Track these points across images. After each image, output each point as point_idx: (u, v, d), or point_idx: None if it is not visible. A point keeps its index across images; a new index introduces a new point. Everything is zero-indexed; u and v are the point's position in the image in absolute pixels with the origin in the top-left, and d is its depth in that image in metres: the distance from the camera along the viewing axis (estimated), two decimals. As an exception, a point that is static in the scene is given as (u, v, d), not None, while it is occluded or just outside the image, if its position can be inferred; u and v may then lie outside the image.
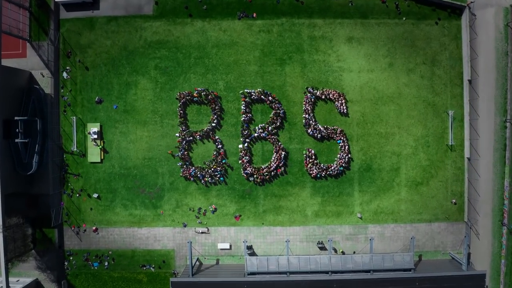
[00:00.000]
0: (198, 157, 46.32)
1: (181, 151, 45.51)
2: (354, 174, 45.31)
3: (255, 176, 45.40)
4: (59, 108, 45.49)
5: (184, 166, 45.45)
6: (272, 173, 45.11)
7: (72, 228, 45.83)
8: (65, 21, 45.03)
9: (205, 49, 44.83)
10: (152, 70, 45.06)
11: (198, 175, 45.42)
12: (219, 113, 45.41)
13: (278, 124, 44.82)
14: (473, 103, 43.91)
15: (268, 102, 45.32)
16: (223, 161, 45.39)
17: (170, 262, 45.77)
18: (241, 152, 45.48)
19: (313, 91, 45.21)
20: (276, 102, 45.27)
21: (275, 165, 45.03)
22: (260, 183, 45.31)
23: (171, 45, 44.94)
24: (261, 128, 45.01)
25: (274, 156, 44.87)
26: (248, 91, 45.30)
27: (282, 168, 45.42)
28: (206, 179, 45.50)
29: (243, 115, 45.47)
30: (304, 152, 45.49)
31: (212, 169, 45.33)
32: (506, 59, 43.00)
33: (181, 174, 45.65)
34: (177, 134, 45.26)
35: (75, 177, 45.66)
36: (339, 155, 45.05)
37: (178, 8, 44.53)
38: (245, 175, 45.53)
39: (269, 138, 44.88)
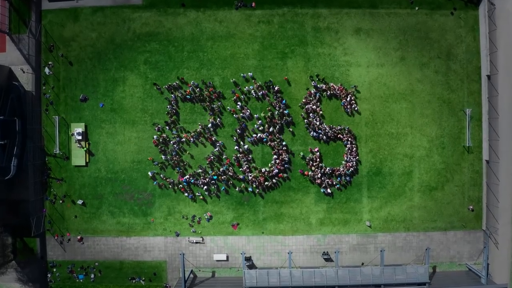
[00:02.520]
0: (191, 162, 43.98)
1: (166, 154, 42.97)
2: (363, 179, 43.30)
3: (253, 183, 42.99)
4: (40, 106, 43.63)
5: (161, 175, 43.28)
6: (274, 179, 43.05)
7: (55, 237, 44.01)
8: (47, 12, 43.13)
9: (199, 41, 42.83)
10: (142, 65, 43.08)
11: (198, 183, 43.20)
12: (216, 111, 43.05)
13: (279, 125, 42.49)
14: (492, 100, 42.06)
15: (267, 99, 42.44)
16: (223, 168, 43.00)
17: (162, 275, 43.76)
18: (237, 155, 43.06)
19: (318, 86, 42.69)
20: (279, 98, 42.44)
21: (276, 169, 42.78)
22: (260, 191, 43.40)
23: (162, 38, 42.90)
24: (259, 128, 42.49)
25: (274, 159, 42.66)
26: (244, 75, 42.64)
27: (285, 175, 43.43)
28: (201, 190, 43.42)
29: (235, 114, 42.99)
30: (308, 155, 42.86)
31: (209, 177, 43.09)
32: (529, 52, 40.98)
33: (155, 183, 43.59)
34: (155, 137, 43.04)
35: (58, 182, 43.83)
36: (346, 158, 42.87)
37: (170, -4, 42.57)
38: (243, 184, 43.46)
39: (270, 140, 42.58)
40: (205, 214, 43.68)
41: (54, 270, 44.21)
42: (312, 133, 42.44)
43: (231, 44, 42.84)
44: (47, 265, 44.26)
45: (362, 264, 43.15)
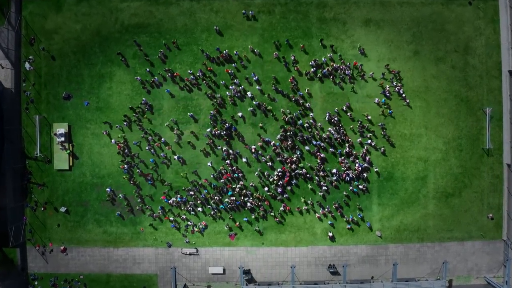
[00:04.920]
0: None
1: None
2: (373, 184, 41.74)
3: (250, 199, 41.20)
4: (20, 105, 42.35)
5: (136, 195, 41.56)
6: (279, 189, 41.25)
7: (37, 248, 42.59)
8: (27, 2, 41.72)
9: (193, 34, 41.34)
10: (130, 59, 41.58)
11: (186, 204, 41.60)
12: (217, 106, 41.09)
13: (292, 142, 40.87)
14: (514, 98, 40.61)
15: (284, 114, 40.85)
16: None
17: (153, 289, 42.04)
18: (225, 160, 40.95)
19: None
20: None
21: (282, 183, 41.29)
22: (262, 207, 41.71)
23: (152, 30, 41.44)
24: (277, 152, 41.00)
25: (279, 171, 41.00)
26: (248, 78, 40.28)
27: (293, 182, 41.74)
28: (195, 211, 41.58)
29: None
30: (315, 165, 41.15)
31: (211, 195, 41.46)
32: (555, 45, 39.93)
33: (138, 207, 41.71)
34: (113, 140, 41.07)
35: (40, 188, 42.29)
36: (355, 163, 41.21)
37: (161, -16, 41.20)
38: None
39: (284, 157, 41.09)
40: (199, 223, 42.00)
41: (36, 283, 42.58)
42: (314, 142, 40.97)
43: (229, 37, 41.25)
44: (28, 277, 42.81)
45: (372, 278, 41.73)
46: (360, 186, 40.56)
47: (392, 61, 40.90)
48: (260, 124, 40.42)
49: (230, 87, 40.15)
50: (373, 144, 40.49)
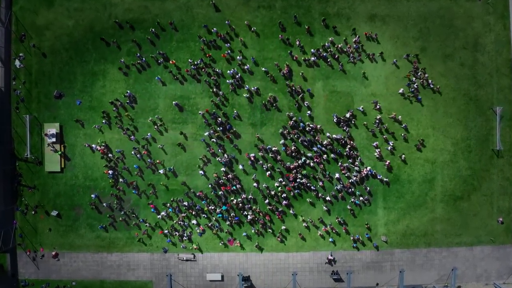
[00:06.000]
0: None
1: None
2: (378, 187, 40.86)
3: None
4: (10, 104, 41.88)
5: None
6: (284, 201, 40.46)
7: (28, 253, 41.97)
8: None
9: (190, 29, 40.50)
10: (124, 56, 40.81)
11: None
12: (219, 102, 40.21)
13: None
14: (526, 97, 40.24)
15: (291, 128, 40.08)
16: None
17: (148, 297, 41.82)
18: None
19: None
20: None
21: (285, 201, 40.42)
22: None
23: (148, 25, 40.59)
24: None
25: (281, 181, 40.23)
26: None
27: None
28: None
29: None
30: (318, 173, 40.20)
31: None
32: None
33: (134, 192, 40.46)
34: (97, 147, 40.46)
35: (30, 190, 41.70)
36: (356, 166, 40.37)
37: (156, -22, 40.66)
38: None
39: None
40: (197, 228, 41.02)
41: (26, 290, 42.10)
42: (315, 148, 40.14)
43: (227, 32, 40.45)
44: (19, 284, 42.17)
45: (377, 284, 41.05)
46: (362, 198, 39.57)
47: (398, 58, 39.78)
48: (257, 135, 39.33)
49: (229, 71, 39.20)
50: (390, 147, 39.52)
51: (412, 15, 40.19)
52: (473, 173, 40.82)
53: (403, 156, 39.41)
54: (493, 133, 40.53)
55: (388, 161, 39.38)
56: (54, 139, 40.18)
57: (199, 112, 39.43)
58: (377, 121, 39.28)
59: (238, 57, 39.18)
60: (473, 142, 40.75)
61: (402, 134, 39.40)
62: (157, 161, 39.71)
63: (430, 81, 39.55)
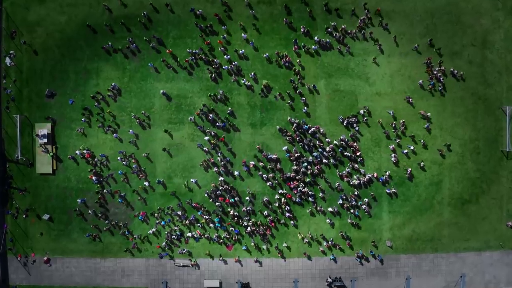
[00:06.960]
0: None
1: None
2: (382, 190, 40.27)
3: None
4: (0, 103, 41.57)
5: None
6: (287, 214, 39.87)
7: (18, 258, 41.67)
8: None
9: (187, 26, 40.05)
10: (119, 54, 40.42)
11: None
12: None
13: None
14: (537, 96, 39.77)
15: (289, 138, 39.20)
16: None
17: (143, 304, 41.56)
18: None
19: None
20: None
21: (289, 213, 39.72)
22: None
23: (143, 21, 40.18)
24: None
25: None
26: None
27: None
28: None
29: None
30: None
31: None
32: None
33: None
34: (80, 153, 40.15)
35: (21, 193, 41.32)
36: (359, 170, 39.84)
37: (152, -28, 40.45)
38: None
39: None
40: (194, 232, 40.56)
41: (17, 296, 41.76)
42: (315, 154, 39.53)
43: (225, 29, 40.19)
44: None
45: None
46: (364, 206, 38.88)
47: (404, 55, 39.28)
48: (258, 146, 38.69)
49: (226, 57, 38.58)
50: (412, 148, 38.93)
51: (418, 11, 39.62)
52: (481, 175, 40.26)
53: (422, 163, 38.68)
54: (502, 133, 40.04)
55: (410, 169, 38.71)
56: (45, 140, 39.78)
57: (189, 118, 38.72)
58: (393, 124, 38.74)
59: (237, 50, 38.69)
60: (482, 143, 40.23)
61: (421, 141, 38.60)
62: (141, 175, 39.12)
63: (451, 69, 38.71)
